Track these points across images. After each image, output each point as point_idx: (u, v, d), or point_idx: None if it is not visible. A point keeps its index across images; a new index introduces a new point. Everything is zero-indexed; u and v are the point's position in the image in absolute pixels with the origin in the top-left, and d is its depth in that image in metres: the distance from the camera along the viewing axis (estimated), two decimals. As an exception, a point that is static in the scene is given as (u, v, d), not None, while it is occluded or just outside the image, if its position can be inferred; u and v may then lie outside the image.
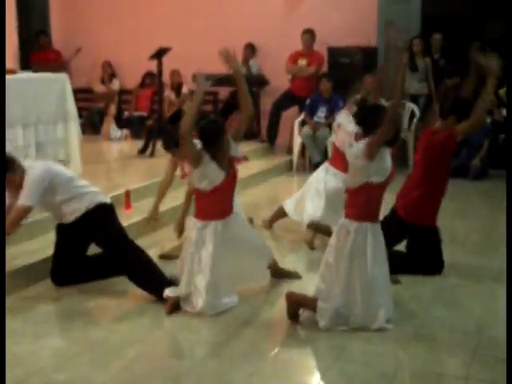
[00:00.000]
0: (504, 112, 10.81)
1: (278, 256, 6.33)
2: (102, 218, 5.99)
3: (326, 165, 7.53)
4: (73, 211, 5.85)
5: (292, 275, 6.29)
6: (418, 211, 6.21)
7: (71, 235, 5.99)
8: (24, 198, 5.62)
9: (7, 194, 5.73)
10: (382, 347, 4.91)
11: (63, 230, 6.00)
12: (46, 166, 5.83)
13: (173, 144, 6.49)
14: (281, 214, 7.66)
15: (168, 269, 5.93)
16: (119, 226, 6.20)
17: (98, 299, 5.88)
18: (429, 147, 6.21)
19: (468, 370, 4.66)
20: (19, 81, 7.80)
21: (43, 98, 7.83)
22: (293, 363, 4.74)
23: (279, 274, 6.20)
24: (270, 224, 7.78)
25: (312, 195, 7.21)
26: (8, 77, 7.59)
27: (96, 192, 6.06)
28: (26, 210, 5.68)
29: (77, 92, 9.91)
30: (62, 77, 8.27)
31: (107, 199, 6.11)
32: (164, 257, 6.64)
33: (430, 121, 6.58)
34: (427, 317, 5.40)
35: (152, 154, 10.31)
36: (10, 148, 7.09)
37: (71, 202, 5.84)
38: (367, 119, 5.30)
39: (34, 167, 5.71)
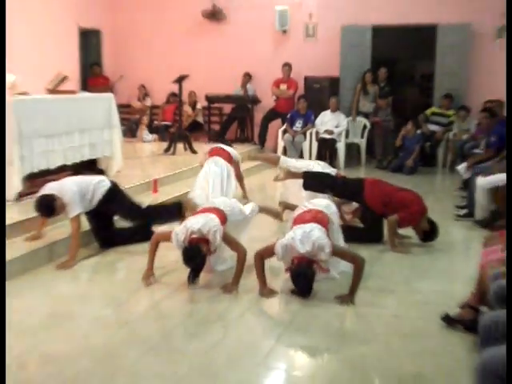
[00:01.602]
0: (430, 126, 10.87)
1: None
2: (111, 197, 5.97)
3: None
4: (94, 199, 5.87)
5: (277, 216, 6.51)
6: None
7: (95, 213, 5.99)
8: (71, 213, 5.61)
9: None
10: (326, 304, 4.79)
11: (89, 213, 5.98)
12: (71, 187, 5.70)
13: None
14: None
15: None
16: (125, 196, 6.21)
17: (129, 256, 5.90)
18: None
19: (398, 309, 4.72)
20: (78, 99, 7.85)
21: (95, 111, 7.83)
22: (256, 327, 4.54)
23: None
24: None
25: None
26: (70, 96, 7.73)
27: (101, 181, 6.02)
28: (77, 218, 5.65)
29: (120, 107, 9.89)
30: (109, 96, 8.29)
31: (108, 183, 6.01)
32: None
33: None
34: (369, 272, 5.20)
35: (174, 153, 10.28)
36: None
37: (93, 195, 5.84)
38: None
39: (65, 192, 5.59)
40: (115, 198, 6.05)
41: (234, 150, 7.92)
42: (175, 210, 6.21)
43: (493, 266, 4.09)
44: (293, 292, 4.87)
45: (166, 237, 5.03)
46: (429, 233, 6.29)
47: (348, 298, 4.81)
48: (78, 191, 5.71)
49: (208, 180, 7.32)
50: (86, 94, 8.49)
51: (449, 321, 4.36)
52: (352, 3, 11.55)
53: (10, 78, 6.85)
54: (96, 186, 5.91)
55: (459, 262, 5.91)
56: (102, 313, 4.61)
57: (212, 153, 7.69)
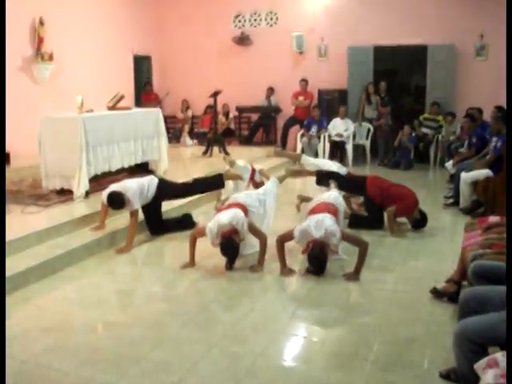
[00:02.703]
0: (423, 129, 10.75)
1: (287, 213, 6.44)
2: (162, 188, 6.03)
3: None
4: (149, 194, 5.92)
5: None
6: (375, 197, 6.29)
7: (148, 207, 6.01)
8: (132, 207, 5.66)
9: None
10: (336, 281, 4.79)
11: (143, 206, 5.99)
12: (133, 185, 5.75)
13: None
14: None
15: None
16: (171, 182, 6.30)
17: (174, 242, 5.92)
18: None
19: (395, 284, 4.72)
20: (132, 113, 7.90)
21: (146, 123, 7.89)
22: (278, 301, 4.61)
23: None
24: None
25: None
26: (126, 111, 7.80)
27: (151, 179, 6.06)
28: (136, 212, 5.73)
29: (166, 118, 9.98)
30: (157, 110, 8.33)
31: (156, 180, 6.05)
32: None
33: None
34: (372, 254, 5.13)
35: (210, 155, 10.30)
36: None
37: (148, 190, 5.89)
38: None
39: (127, 189, 5.63)
40: (166, 188, 6.12)
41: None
42: (218, 180, 6.25)
43: (472, 248, 4.08)
44: (308, 271, 4.87)
45: (202, 232, 5.01)
46: (420, 221, 6.26)
47: (354, 275, 4.81)
48: (138, 189, 5.77)
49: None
50: (139, 110, 8.53)
51: (436, 294, 4.36)
52: (356, 28, 11.47)
53: (78, 99, 6.94)
54: (149, 183, 5.97)
55: (446, 244, 5.85)
56: (152, 289, 4.68)
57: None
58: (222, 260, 5.05)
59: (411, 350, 3.60)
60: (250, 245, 5.31)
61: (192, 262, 5.13)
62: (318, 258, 4.72)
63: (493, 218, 4.58)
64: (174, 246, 5.86)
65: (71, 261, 5.22)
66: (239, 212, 5.01)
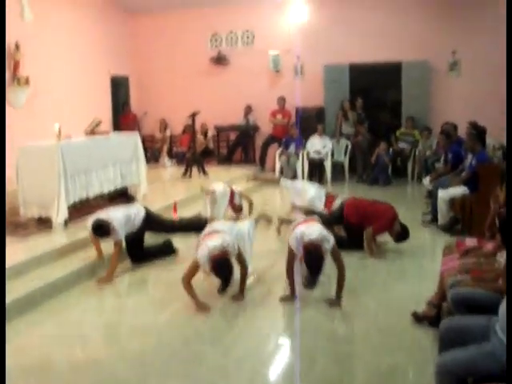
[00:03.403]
0: (399, 144, 10.90)
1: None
2: (148, 221, 6.05)
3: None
4: (135, 225, 5.92)
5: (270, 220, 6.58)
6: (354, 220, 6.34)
7: (131, 236, 5.95)
8: (116, 237, 5.62)
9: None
10: (319, 307, 4.86)
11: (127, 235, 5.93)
12: (118, 215, 5.73)
13: None
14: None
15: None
16: (158, 217, 6.35)
17: (156, 270, 5.92)
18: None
19: (377, 308, 4.72)
20: (111, 139, 7.90)
21: (124, 148, 7.85)
22: (261, 331, 4.71)
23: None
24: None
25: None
26: (104, 136, 7.80)
27: (139, 210, 6.07)
28: (120, 242, 5.70)
29: (145, 138, 9.96)
30: (135, 135, 8.28)
31: (143, 212, 6.06)
32: None
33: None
34: (352, 277, 5.17)
35: (190, 176, 10.26)
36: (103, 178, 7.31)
37: (134, 221, 5.90)
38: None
39: (113, 218, 5.60)
40: (151, 221, 6.13)
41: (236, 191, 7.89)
42: (202, 225, 6.10)
43: (450, 273, 4.12)
44: (305, 285, 4.76)
45: (193, 271, 4.81)
46: (401, 234, 6.26)
47: (336, 302, 4.82)
48: (123, 218, 5.74)
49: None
50: (117, 135, 8.49)
51: (416, 317, 4.40)
52: (331, 47, 11.60)
53: (55, 126, 6.89)
54: (136, 213, 5.96)
55: (426, 264, 5.90)
56: (136, 322, 4.65)
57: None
58: (206, 289, 5.04)
59: (394, 378, 3.63)
60: None
61: (200, 305, 4.83)
62: (314, 256, 4.60)
63: (470, 242, 4.65)
64: (156, 274, 5.83)
65: (51, 293, 5.16)
66: (227, 236, 4.96)
